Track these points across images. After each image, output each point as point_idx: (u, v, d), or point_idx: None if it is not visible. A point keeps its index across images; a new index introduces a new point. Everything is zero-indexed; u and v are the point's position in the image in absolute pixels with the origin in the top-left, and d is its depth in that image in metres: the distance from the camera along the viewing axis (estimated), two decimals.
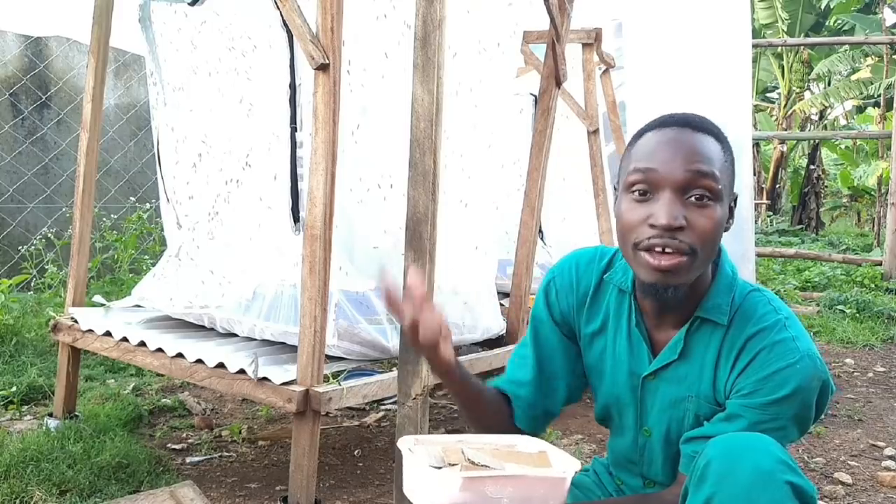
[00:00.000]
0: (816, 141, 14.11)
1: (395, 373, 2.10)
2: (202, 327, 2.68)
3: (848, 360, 4.42)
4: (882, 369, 4.27)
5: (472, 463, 1.14)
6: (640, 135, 1.24)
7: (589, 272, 1.39)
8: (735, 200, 1.24)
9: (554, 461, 1.21)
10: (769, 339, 1.20)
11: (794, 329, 1.21)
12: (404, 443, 1.18)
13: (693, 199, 1.16)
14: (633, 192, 1.19)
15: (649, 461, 1.37)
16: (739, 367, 1.22)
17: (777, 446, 1.10)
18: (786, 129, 14.31)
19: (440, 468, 1.14)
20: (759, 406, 1.18)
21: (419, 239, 1.91)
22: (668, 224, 1.14)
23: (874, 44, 10.93)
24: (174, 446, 2.78)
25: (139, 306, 2.91)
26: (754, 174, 13.36)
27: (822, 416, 1.26)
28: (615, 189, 1.30)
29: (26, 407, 3.11)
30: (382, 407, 3.33)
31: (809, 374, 1.17)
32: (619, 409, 1.38)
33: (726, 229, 1.22)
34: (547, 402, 1.42)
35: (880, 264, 7.28)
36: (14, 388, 3.15)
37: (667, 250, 1.15)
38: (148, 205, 5.40)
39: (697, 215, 1.15)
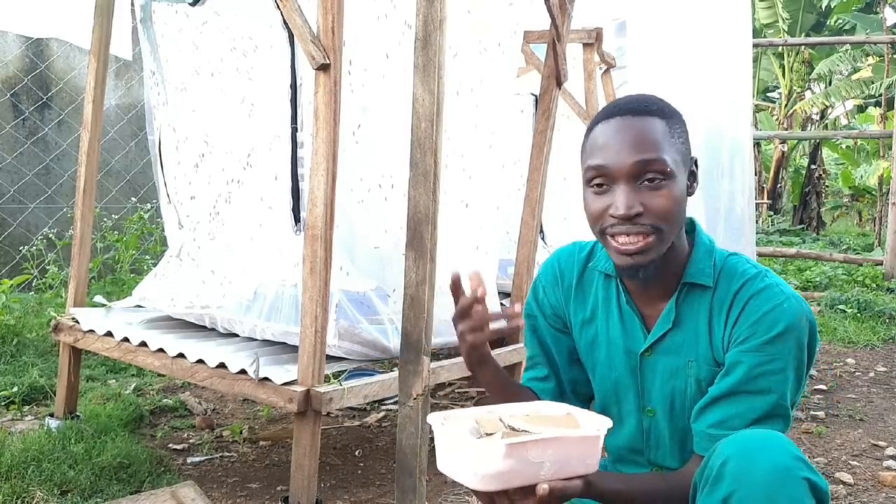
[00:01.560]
0: (817, 140, 14.09)
1: (395, 373, 2.10)
2: (203, 327, 2.68)
3: (849, 360, 4.42)
4: (883, 369, 4.27)
5: (512, 429, 1.15)
6: (591, 128, 1.30)
7: (570, 264, 1.45)
8: (696, 163, 1.31)
9: (582, 421, 1.22)
10: (754, 288, 1.26)
11: (774, 278, 1.29)
12: (435, 418, 1.17)
13: (646, 183, 1.22)
14: (592, 185, 1.26)
15: (656, 444, 1.37)
16: (732, 320, 1.27)
17: (791, 444, 1.11)
18: (787, 129, 14.28)
19: (478, 438, 1.15)
20: (756, 348, 1.23)
21: (420, 239, 1.91)
22: (625, 214, 1.21)
23: (875, 43, 10.90)
24: (175, 446, 2.78)
25: (140, 306, 2.91)
26: (755, 174, 13.33)
27: (813, 365, 1.30)
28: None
29: (27, 407, 3.11)
30: (383, 407, 3.33)
31: (797, 312, 1.23)
32: (619, 395, 1.40)
33: (690, 194, 1.29)
34: (572, 386, 1.47)
35: (881, 264, 7.27)
36: (15, 389, 3.15)
37: (629, 236, 1.22)
38: (149, 205, 5.40)
39: (653, 197, 1.22)
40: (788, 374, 1.23)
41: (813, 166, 14.10)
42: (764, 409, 1.22)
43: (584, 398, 1.49)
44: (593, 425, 1.18)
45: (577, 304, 1.43)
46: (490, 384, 1.40)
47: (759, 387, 1.22)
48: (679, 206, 1.24)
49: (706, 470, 1.14)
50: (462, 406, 3.43)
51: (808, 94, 15.69)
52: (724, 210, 4.10)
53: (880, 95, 11.35)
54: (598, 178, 1.25)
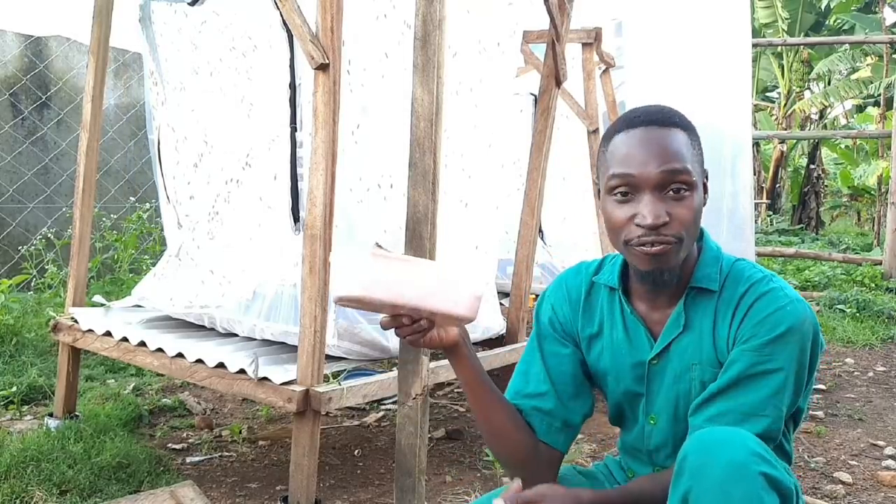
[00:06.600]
0: (816, 140, 14.10)
1: (395, 372, 2.10)
2: (202, 327, 2.68)
3: (848, 360, 4.42)
4: (882, 369, 4.27)
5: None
6: (610, 136, 1.31)
7: (578, 280, 1.47)
8: (707, 176, 1.32)
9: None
10: (759, 291, 1.28)
11: (779, 282, 1.31)
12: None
13: (671, 193, 1.24)
14: (615, 194, 1.27)
15: (656, 447, 1.40)
16: (737, 322, 1.29)
17: (753, 439, 1.13)
18: (786, 129, 14.27)
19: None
20: (756, 348, 1.24)
21: (419, 239, 1.91)
22: (653, 224, 1.22)
23: (874, 43, 10.91)
24: (174, 446, 2.78)
25: (139, 306, 2.91)
26: (754, 174, 13.34)
27: (816, 372, 1.31)
28: (595, 183, 1.39)
29: (27, 407, 3.11)
30: (382, 407, 3.33)
31: (801, 315, 1.25)
32: (629, 402, 1.42)
33: (703, 205, 1.30)
34: (566, 412, 1.43)
35: (880, 264, 7.27)
36: (14, 388, 3.15)
37: (654, 246, 1.23)
38: (148, 205, 5.40)
39: (678, 207, 1.24)
40: (785, 375, 1.24)
41: (812, 166, 14.11)
42: (754, 406, 1.23)
43: (585, 413, 1.47)
44: (464, 277, 1.22)
45: (584, 319, 1.44)
46: (470, 390, 1.38)
47: (753, 384, 1.24)
48: (699, 216, 1.26)
49: (675, 466, 1.17)
50: (461, 405, 3.42)
51: (807, 93, 15.69)
52: (728, 210, 4.10)
53: (879, 95, 11.36)
54: (623, 187, 1.25)
